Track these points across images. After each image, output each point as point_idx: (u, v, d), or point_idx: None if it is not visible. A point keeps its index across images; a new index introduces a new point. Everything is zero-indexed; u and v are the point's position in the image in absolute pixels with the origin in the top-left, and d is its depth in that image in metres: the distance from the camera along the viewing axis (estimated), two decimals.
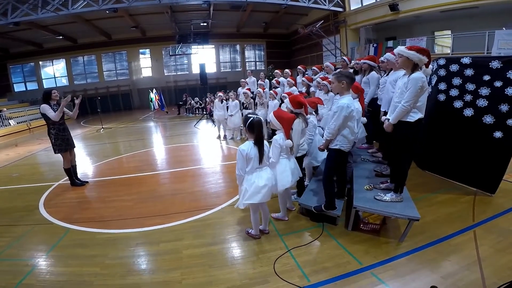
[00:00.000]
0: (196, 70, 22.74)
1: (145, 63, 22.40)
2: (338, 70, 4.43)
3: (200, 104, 13.81)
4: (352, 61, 4.81)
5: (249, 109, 7.13)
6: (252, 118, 2.51)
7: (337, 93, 2.96)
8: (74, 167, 4.94)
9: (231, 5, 14.30)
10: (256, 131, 2.51)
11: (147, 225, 3.39)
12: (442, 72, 3.89)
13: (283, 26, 21.58)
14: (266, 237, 3.03)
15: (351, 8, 15.29)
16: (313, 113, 3.73)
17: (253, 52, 23.91)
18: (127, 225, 3.45)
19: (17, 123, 15.48)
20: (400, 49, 2.61)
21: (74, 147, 4.87)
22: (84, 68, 21.81)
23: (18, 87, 21.50)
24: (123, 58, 21.98)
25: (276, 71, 7.59)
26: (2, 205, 4.51)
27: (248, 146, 2.52)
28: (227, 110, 7.56)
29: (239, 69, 23.22)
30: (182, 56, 21.72)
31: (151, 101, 15.77)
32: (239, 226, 3.29)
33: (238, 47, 23.27)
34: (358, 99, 3.34)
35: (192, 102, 14.55)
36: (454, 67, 3.73)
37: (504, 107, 3.29)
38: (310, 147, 3.63)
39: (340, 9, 15.45)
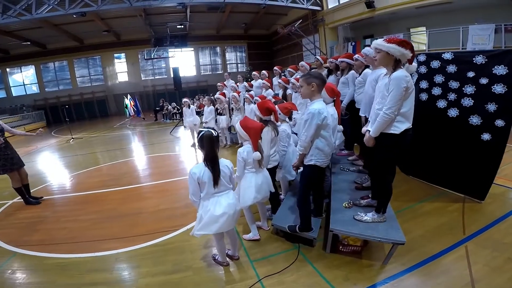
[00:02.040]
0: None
1: (120, 68, 21.48)
2: (308, 71, 4.01)
3: (178, 110, 13.17)
4: (329, 60, 4.42)
5: (224, 115, 6.66)
6: (202, 133, 2.08)
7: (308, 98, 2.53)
8: (26, 186, 4.53)
9: (209, 6, 13.77)
10: (206, 147, 2.05)
11: (102, 249, 3.04)
12: (422, 69, 3.58)
13: (264, 26, 21.25)
14: (236, 264, 2.63)
15: (329, 7, 15.15)
16: (287, 120, 3.32)
17: (234, 54, 23.46)
18: (80, 249, 3.09)
19: None
20: (378, 42, 2.17)
21: (22, 165, 4.45)
22: (56, 75, 20.66)
23: None
24: (97, 63, 20.98)
25: (253, 73, 7.17)
26: None
27: (200, 169, 2.08)
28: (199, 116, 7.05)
29: (220, 72, 22.68)
30: (159, 60, 20.97)
31: (126, 107, 15.00)
32: (206, 250, 2.88)
33: (218, 49, 22.75)
34: (333, 103, 2.93)
35: (169, 107, 13.90)
36: (435, 64, 3.44)
37: (491, 107, 3.00)
38: (284, 160, 3.22)
39: (318, 8, 15.28)
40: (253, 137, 2.49)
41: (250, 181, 2.59)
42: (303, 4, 14.35)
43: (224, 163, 2.17)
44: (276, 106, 3.22)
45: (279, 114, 3.16)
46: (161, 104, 14.89)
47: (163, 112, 14.31)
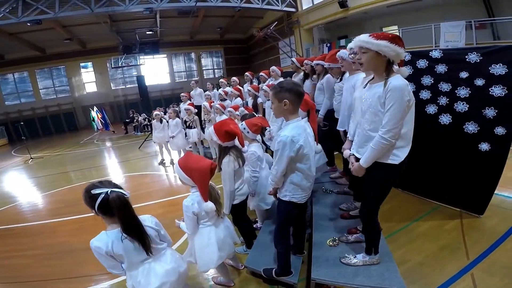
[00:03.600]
0: (148, 81, 21.07)
1: (88, 78, 20.19)
2: (279, 81, 3.38)
3: (149, 121, 12.30)
4: (304, 62, 3.92)
5: (193, 127, 5.99)
6: (102, 196, 1.37)
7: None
8: None
9: (179, 11, 13.06)
10: (120, 215, 1.41)
11: None
12: (408, 70, 3.14)
13: (240, 30, 20.77)
14: None
15: (303, 8, 14.94)
16: (257, 139, 2.74)
17: (210, 59, 22.79)
18: None
19: None
20: (363, 39, 1.63)
21: None
22: (16, 87, 19.03)
23: None
24: (61, 74, 19.59)
25: (221, 80, 6.57)
26: None
27: (105, 241, 1.43)
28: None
29: (196, 78, 21.90)
30: (130, 68, 19.87)
31: (93, 120, 13.91)
32: None
33: (193, 55, 22.00)
34: (307, 118, 2.38)
35: (140, 118, 12.96)
36: (422, 63, 3.00)
37: (489, 112, 2.57)
38: (256, 186, 2.64)
39: (293, 10, 15.03)
40: (199, 183, 1.83)
41: (209, 238, 1.97)
42: (278, 6, 14.01)
43: (146, 223, 1.56)
44: (243, 123, 2.64)
45: (248, 132, 2.56)
46: (131, 115, 13.90)
47: (134, 124, 13.34)
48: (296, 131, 1.75)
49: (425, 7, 11.20)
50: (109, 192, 1.36)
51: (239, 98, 5.31)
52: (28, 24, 11.35)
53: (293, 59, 4.31)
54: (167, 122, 6.32)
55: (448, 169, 2.99)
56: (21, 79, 19.05)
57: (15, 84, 19.03)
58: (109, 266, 1.49)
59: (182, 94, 7.00)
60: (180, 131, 6.09)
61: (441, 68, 2.85)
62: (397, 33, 11.50)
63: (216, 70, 22.91)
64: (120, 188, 1.43)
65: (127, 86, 20.96)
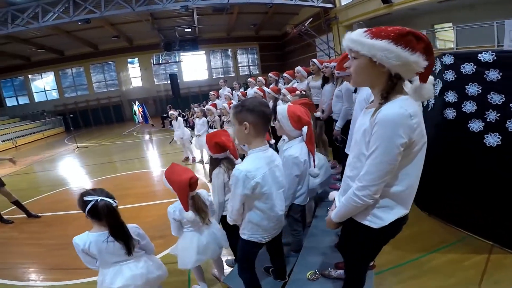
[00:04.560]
0: (187, 77, 21.67)
1: (134, 73, 21.39)
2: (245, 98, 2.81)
3: (183, 116, 12.51)
4: (323, 65, 3.43)
5: (215, 128, 5.81)
6: (93, 202, 1.54)
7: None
8: (17, 203, 4.30)
9: (213, 8, 13.03)
10: (108, 221, 1.59)
11: (48, 280, 2.83)
12: (449, 76, 2.52)
13: (275, 27, 20.23)
14: None
15: (342, 4, 13.90)
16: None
17: (245, 56, 22.65)
18: (21, 277, 2.91)
19: (2, 141, 14.44)
20: (353, 37, 1.07)
21: (1, 185, 4.18)
22: (74, 81, 20.94)
23: (10, 102, 20.71)
24: (111, 69, 21.04)
25: (249, 79, 6.27)
26: None
27: (85, 241, 1.60)
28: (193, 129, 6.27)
29: (233, 75, 21.96)
30: (172, 64, 20.53)
31: (135, 114, 14.62)
32: None
33: (229, 51, 22.04)
34: (303, 138, 1.95)
35: (171, 112, 13.25)
36: (468, 68, 2.37)
37: None
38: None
39: (330, 5, 14.07)
40: (178, 194, 1.84)
41: (191, 242, 1.99)
42: (314, 2, 13.21)
43: (132, 231, 1.71)
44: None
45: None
46: (168, 110, 14.33)
47: (170, 119, 13.74)
48: (254, 165, 1.43)
49: (483, 2, 9.59)
50: (99, 200, 1.54)
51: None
52: (79, 23, 12.23)
53: (315, 60, 3.83)
54: (185, 120, 6.34)
55: (487, 195, 2.35)
56: (77, 74, 20.86)
57: (72, 78, 20.91)
58: (85, 261, 1.68)
59: (211, 92, 6.90)
60: (205, 131, 5.97)
61: (492, 75, 2.21)
62: (452, 31, 10.02)
63: (251, 67, 22.71)
64: (111, 197, 1.61)
65: (168, 82, 21.68)
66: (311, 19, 13.75)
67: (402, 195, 1.09)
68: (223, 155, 2.05)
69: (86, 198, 1.54)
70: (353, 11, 13.41)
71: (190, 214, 1.84)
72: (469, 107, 2.38)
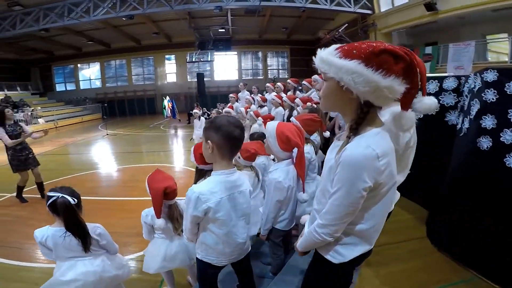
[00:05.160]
0: (218, 77, 21.92)
1: (170, 69, 22.12)
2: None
3: (208, 115, 12.58)
4: None
5: None
6: (54, 198, 1.60)
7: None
8: (40, 184, 4.48)
9: (246, 9, 12.93)
10: (64, 217, 1.63)
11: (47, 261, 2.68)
12: (490, 96, 2.05)
13: (308, 31, 19.64)
14: None
15: (381, 10, 13.02)
16: (251, 167, 2.19)
17: (275, 59, 22.33)
18: (18, 257, 2.92)
19: (46, 121, 15.77)
20: (323, 55, 0.88)
21: (36, 165, 4.39)
22: (116, 72, 22.19)
23: (60, 87, 22.56)
24: (150, 63, 21.95)
25: (267, 84, 5.99)
26: None
27: (43, 234, 1.66)
28: None
29: (261, 77, 21.79)
30: (204, 63, 20.89)
31: (164, 108, 15.04)
32: None
33: (260, 54, 21.88)
34: (292, 161, 1.72)
35: (195, 111, 13.40)
36: None
37: None
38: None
39: (369, 12, 13.25)
40: (153, 201, 1.81)
41: (159, 249, 1.96)
42: (350, 7, 12.51)
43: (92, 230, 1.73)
44: None
45: (238, 158, 2.04)
46: (195, 107, 14.56)
47: (194, 117, 13.94)
48: (210, 188, 1.24)
49: None
50: (59, 197, 1.60)
51: (280, 108, 4.60)
52: (124, 18, 12.84)
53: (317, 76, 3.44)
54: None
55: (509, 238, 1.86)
56: (120, 65, 22.08)
57: (115, 69, 22.18)
58: (43, 252, 1.75)
59: (230, 95, 6.76)
60: None
61: None
62: (507, 43, 8.89)
63: (280, 71, 22.34)
64: (74, 196, 1.64)
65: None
66: (346, 25, 13.10)
67: (367, 233, 1.00)
68: (208, 167, 1.85)
69: (49, 194, 1.62)
70: (393, 18, 12.51)
71: (160, 222, 1.83)
72: (509, 136, 1.90)
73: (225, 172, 1.29)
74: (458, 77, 2.73)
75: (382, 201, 0.93)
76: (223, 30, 16.84)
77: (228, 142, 1.24)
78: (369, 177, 0.84)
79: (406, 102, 0.85)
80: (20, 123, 4.40)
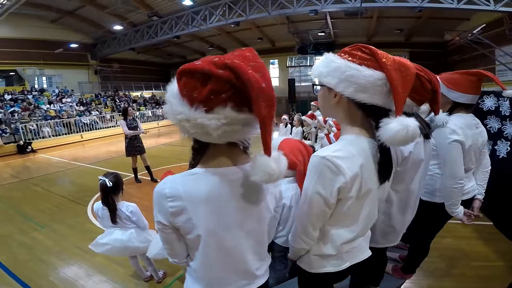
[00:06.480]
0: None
1: (273, 73, 22.83)
2: None
3: (291, 124, 12.18)
4: None
5: (309, 139, 5.25)
6: (100, 182, 2.19)
7: None
8: (148, 168, 5.43)
9: (345, 12, 11.57)
10: (101, 193, 2.23)
11: None
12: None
13: (433, 33, 15.70)
14: None
15: None
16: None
17: None
18: None
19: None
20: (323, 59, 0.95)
21: (143, 152, 5.35)
22: None
23: None
24: None
25: (312, 103, 5.22)
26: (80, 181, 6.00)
27: (98, 206, 2.31)
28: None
29: None
30: (306, 67, 20.40)
31: None
32: None
33: None
34: (294, 179, 1.69)
35: (284, 117, 13.11)
36: None
37: None
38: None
39: None
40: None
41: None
42: (489, 5, 9.05)
43: (120, 207, 2.25)
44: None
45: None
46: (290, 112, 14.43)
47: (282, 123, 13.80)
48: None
49: None
50: (102, 180, 2.15)
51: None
52: (232, 25, 14.06)
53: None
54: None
55: None
56: None
57: None
58: (98, 220, 2.51)
59: (312, 102, 6.35)
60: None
61: None
62: None
63: None
64: (114, 180, 2.18)
65: (301, 84, 21.85)
66: (484, 25, 9.72)
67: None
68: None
69: (99, 177, 2.18)
70: None
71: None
72: None
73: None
74: None
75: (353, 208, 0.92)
76: (323, 33, 15.84)
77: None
78: (332, 185, 0.88)
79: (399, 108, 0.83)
80: (136, 119, 5.42)
